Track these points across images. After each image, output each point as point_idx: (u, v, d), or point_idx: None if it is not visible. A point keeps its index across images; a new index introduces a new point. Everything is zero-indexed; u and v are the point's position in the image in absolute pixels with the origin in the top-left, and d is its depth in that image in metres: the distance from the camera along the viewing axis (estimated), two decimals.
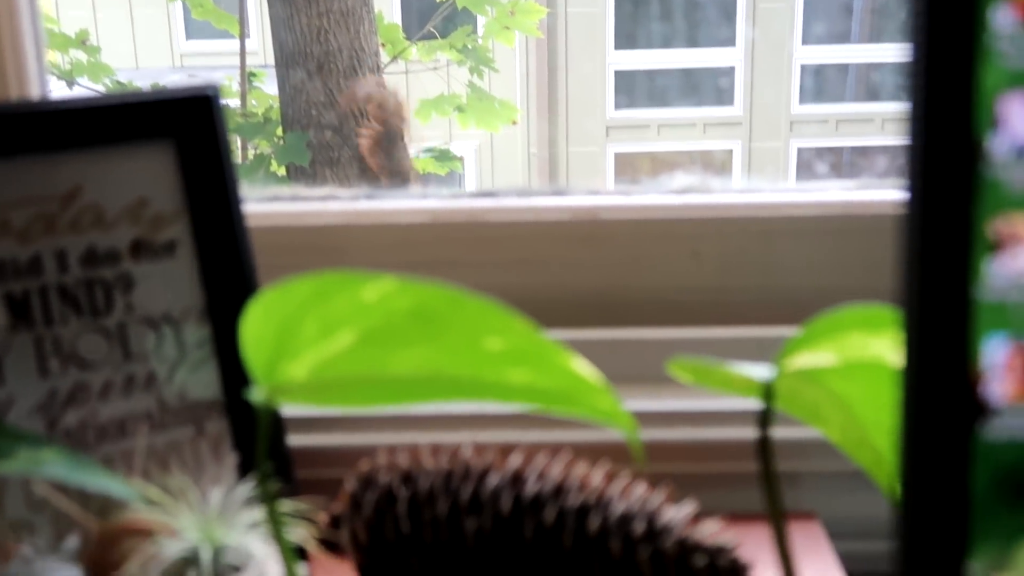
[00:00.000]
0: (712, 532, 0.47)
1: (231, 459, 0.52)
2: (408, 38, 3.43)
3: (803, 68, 6.29)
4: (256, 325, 0.40)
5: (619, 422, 0.41)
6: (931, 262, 0.27)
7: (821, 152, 6.67)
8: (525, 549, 0.46)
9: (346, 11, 2.87)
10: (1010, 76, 0.27)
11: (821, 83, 6.47)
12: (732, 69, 6.26)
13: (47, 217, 0.51)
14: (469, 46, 3.51)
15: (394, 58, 3.43)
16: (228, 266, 0.54)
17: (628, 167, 6.50)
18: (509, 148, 5.95)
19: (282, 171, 3.22)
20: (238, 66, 3.58)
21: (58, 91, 3.60)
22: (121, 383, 0.52)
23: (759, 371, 0.43)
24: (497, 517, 0.47)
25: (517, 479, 0.48)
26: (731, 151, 6.48)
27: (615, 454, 0.54)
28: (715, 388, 0.45)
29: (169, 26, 5.07)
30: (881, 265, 0.64)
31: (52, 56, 3.62)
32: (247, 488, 0.47)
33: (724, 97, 6.38)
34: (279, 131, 3.21)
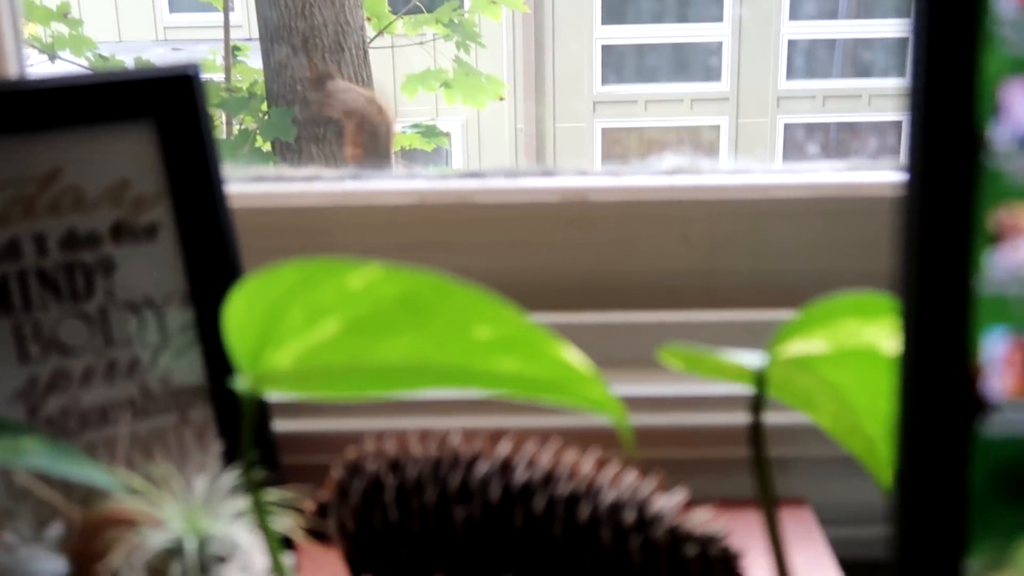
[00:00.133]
0: (703, 520, 0.46)
1: (216, 447, 0.52)
2: (394, 12, 3.40)
3: (791, 44, 6.27)
4: (240, 313, 0.39)
5: (609, 411, 0.41)
6: (930, 254, 0.27)
7: (808, 128, 6.67)
8: (514, 538, 0.46)
9: None
10: (1012, 63, 0.26)
11: (809, 59, 6.46)
12: (720, 45, 6.23)
13: (25, 200, 0.50)
14: (456, 20, 3.48)
15: (380, 32, 3.41)
16: (211, 249, 0.53)
17: (615, 143, 6.49)
18: (496, 123, 5.92)
19: (267, 147, 3.19)
20: (222, 39, 3.55)
21: (39, 65, 3.56)
22: (103, 369, 0.51)
23: (751, 359, 0.42)
24: (486, 506, 0.46)
25: (506, 467, 0.48)
26: (718, 127, 6.47)
27: (605, 439, 0.54)
28: (706, 375, 0.44)
29: None
30: (873, 247, 0.64)
31: (33, 29, 3.58)
32: (232, 476, 0.46)
33: (712, 73, 6.36)
34: (264, 106, 3.18)
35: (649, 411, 0.60)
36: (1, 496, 0.49)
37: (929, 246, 0.27)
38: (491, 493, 0.47)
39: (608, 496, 0.46)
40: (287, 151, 3.05)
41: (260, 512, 0.41)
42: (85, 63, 3.54)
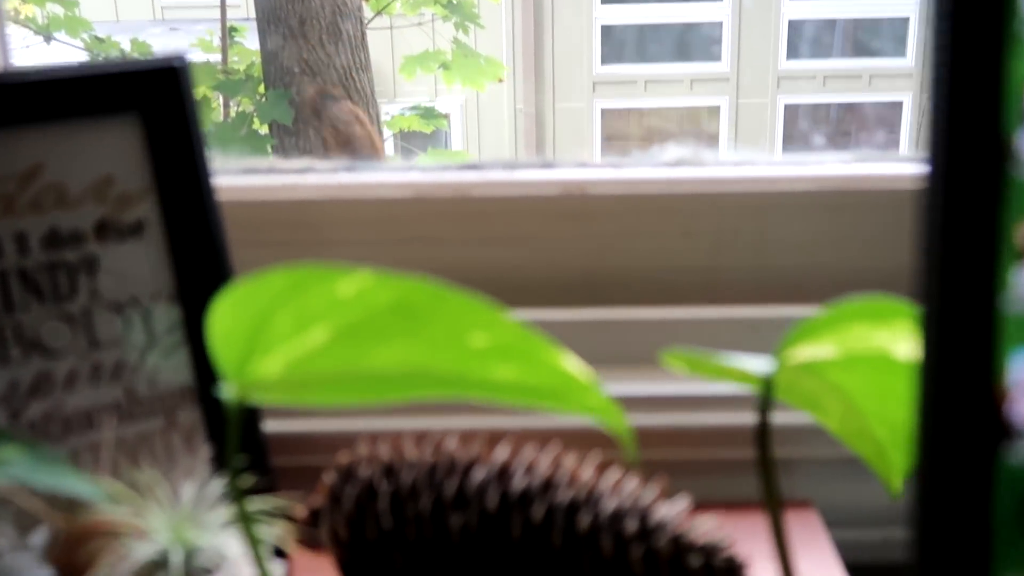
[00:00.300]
0: (707, 529, 0.45)
1: (204, 451, 0.50)
2: None
3: (791, 24, 6.24)
4: (225, 320, 0.37)
5: (610, 419, 0.39)
6: (953, 271, 0.25)
7: (808, 108, 6.64)
8: (512, 547, 0.45)
9: None
10: None
11: (809, 39, 6.43)
12: (720, 25, 6.20)
13: (5, 197, 0.48)
14: (454, 1, 3.45)
15: (378, 13, 3.38)
16: (199, 246, 0.51)
17: (615, 123, 6.46)
18: (495, 104, 5.90)
19: (265, 129, 3.17)
20: (219, 19, 3.52)
21: (35, 46, 3.53)
22: (87, 372, 0.49)
23: (758, 364, 0.41)
24: (483, 513, 0.45)
25: (504, 473, 0.46)
26: (718, 107, 6.44)
27: (605, 441, 0.52)
28: (711, 377, 0.43)
29: None
30: (880, 242, 0.62)
31: (29, 10, 3.55)
32: (221, 484, 0.45)
33: (712, 53, 6.33)
34: (261, 88, 3.16)
35: (649, 411, 0.58)
36: None
37: (952, 262, 0.25)
38: (488, 500, 0.45)
39: (609, 504, 0.45)
40: (285, 134, 3.03)
41: (247, 523, 0.40)
42: (81, 44, 3.52)
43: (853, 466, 0.52)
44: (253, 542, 0.40)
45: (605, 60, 6.25)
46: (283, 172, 0.66)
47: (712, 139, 6.43)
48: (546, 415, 0.56)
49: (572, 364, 0.38)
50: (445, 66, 3.40)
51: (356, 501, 0.47)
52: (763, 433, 0.40)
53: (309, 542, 0.48)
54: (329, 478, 0.48)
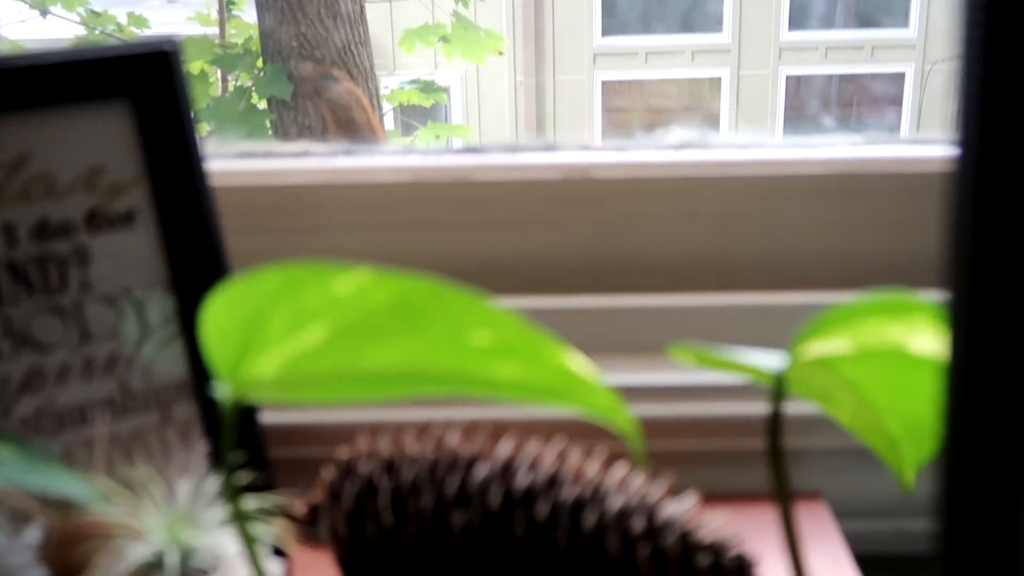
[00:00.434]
0: (716, 527, 0.44)
1: (201, 446, 0.49)
2: None
3: None
4: (219, 319, 0.36)
5: (616, 419, 0.38)
6: (984, 264, 0.23)
7: (810, 80, 6.60)
8: (516, 546, 0.43)
9: None
10: None
11: (810, 10, 6.38)
12: None
13: None
14: None
15: None
16: (193, 236, 0.50)
17: (616, 95, 6.43)
18: (495, 76, 5.86)
19: (264, 104, 3.15)
20: None
21: (31, 20, 3.50)
22: (80, 366, 0.48)
23: (771, 360, 0.40)
24: (486, 512, 0.44)
25: (507, 470, 0.45)
26: (719, 79, 6.41)
27: (611, 431, 0.51)
28: (721, 370, 0.42)
29: None
30: (891, 226, 0.61)
31: None
32: (217, 480, 0.43)
33: (713, 24, 6.29)
34: (259, 62, 3.13)
35: (654, 400, 0.57)
36: None
37: (983, 255, 0.23)
38: (491, 498, 0.44)
39: (616, 501, 0.44)
40: (284, 108, 3.01)
41: (243, 522, 0.39)
42: (76, 18, 3.49)
43: (862, 456, 0.51)
44: (250, 541, 0.39)
45: (606, 32, 6.21)
46: (280, 156, 0.64)
47: (713, 113, 6.40)
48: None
49: (576, 362, 0.36)
50: (445, 39, 3.37)
51: (356, 498, 0.46)
52: (775, 431, 0.39)
53: (308, 536, 0.47)
54: (328, 474, 0.47)
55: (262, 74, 3.04)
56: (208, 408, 0.50)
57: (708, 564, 0.43)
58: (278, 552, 0.46)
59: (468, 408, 0.56)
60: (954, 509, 0.25)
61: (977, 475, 0.24)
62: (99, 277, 0.49)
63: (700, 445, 0.57)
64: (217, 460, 0.48)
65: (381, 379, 0.38)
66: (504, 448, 0.46)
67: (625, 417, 0.38)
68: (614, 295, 0.61)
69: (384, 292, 0.35)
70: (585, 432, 0.52)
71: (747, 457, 0.56)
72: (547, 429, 0.53)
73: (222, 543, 0.43)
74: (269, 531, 0.44)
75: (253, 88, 3.12)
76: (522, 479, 0.44)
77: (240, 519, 0.39)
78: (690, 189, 0.61)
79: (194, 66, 3.17)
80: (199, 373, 0.50)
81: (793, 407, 0.46)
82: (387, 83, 3.56)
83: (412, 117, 4.05)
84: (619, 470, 0.45)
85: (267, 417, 0.53)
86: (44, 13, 3.54)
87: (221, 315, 0.36)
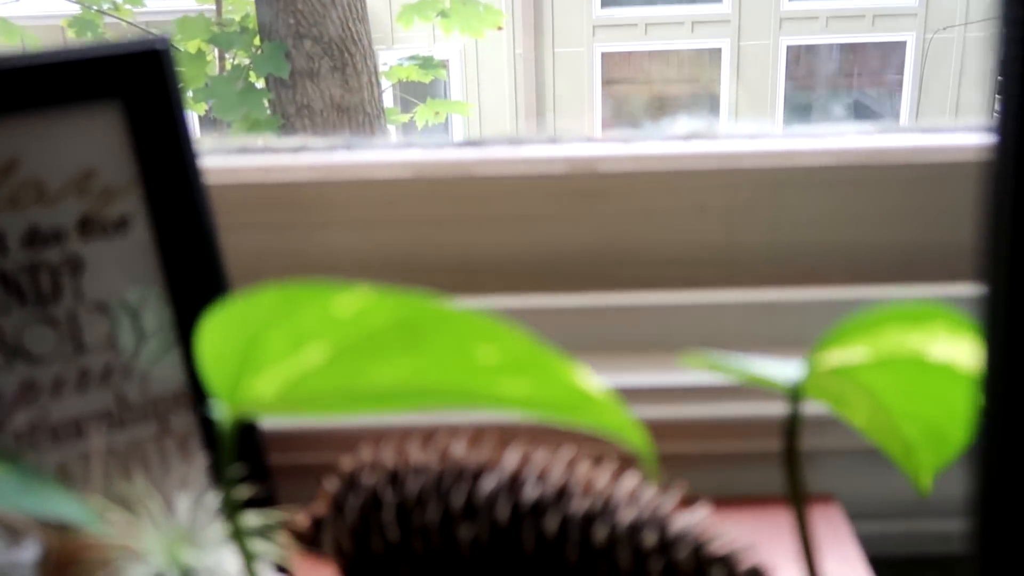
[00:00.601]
0: (730, 538, 0.43)
1: (201, 458, 0.48)
2: None
3: None
4: (215, 340, 0.35)
5: (628, 436, 0.37)
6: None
7: (810, 49, 6.56)
8: (525, 562, 0.42)
9: None
10: None
11: None
12: None
13: None
14: None
15: None
16: (188, 241, 0.48)
17: (616, 67, 6.38)
18: (494, 50, 5.82)
19: (262, 82, 3.12)
20: None
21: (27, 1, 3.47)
22: (74, 378, 0.47)
23: (788, 370, 0.38)
24: (493, 525, 0.43)
25: (515, 481, 0.44)
26: (719, 49, 6.36)
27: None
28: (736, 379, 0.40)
29: None
30: (902, 218, 0.60)
31: None
32: (217, 495, 0.42)
33: None
34: (257, 40, 3.10)
35: (662, 401, 0.56)
36: None
37: (1022, 248, 0.22)
38: (499, 512, 0.43)
39: (627, 515, 0.42)
40: (281, 86, 2.98)
41: (244, 539, 0.38)
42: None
43: (875, 457, 0.50)
44: (251, 559, 0.38)
45: (605, 3, 6.17)
46: (277, 151, 0.63)
47: (713, 84, 6.36)
48: None
49: (587, 379, 0.35)
50: (443, 14, 3.34)
51: (360, 511, 0.45)
52: (791, 440, 0.38)
53: (311, 550, 0.46)
54: (331, 486, 0.46)
55: (260, 52, 3.01)
56: (207, 419, 0.48)
57: None
58: (280, 569, 0.45)
59: (473, 413, 0.55)
60: (990, 507, 0.24)
61: (1014, 471, 0.23)
62: (93, 286, 0.47)
63: (712, 447, 0.55)
64: (218, 471, 0.47)
65: (386, 396, 0.37)
66: (511, 458, 0.45)
67: (636, 434, 0.36)
68: (621, 292, 0.60)
69: (385, 312, 0.33)
70: (594, 436, 0.51)
71: (759, 459, 0.55)
72: (555, 435, 0.52)
73: (222, 562, 0.42)
74: (271, 548, 0.43)
75: (251, 67, 3.09)
76: (530, 491, 0.43)
77: (241, 536, 0.37)
78: (698, 181, 0.59)
79: (191, 45, 3.14)
80: (197, 383, 0.48)
81: (805, 407, 0.45)
82: (385, 58, 3.53)
83: (410, 93, 4.02)
84: (630, 480, 0.44)
85: (267, 423, 0.52)
86: None
87: (217, 335, 0.35)
